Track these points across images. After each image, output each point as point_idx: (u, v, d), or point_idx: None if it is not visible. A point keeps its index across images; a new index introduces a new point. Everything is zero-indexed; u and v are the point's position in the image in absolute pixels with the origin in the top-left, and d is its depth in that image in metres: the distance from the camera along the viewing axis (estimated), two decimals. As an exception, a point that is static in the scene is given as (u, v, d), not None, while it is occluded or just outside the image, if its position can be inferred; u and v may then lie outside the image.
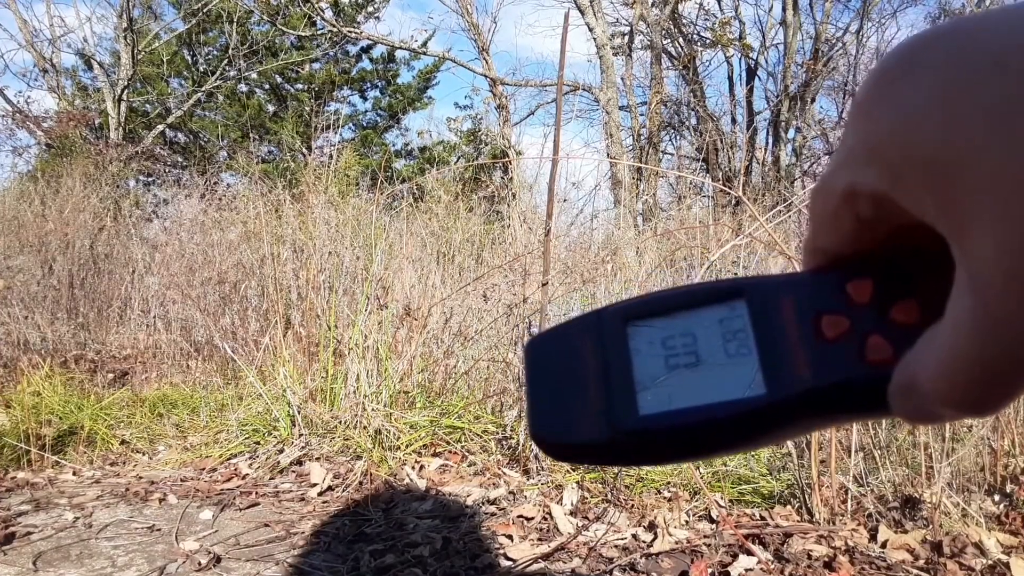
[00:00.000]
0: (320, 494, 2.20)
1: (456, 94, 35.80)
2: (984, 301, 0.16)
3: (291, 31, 11.84)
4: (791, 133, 11.48)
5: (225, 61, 12.26)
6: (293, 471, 2.42)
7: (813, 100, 11.40)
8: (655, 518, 1.82)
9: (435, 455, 2.43)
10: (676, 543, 1.71)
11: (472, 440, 2.47)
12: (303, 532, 1.91)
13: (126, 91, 10.67)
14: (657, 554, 1.67)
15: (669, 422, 0.23)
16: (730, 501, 1.99)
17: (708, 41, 12.44)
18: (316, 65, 14.23)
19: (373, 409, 2.51)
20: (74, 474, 2.50)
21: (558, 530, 1.84)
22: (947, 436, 1.82)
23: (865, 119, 0.20)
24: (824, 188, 0.22)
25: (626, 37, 11.86)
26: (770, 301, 0.24)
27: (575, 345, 0.26)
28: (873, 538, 1.70)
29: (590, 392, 0.24)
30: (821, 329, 0.22)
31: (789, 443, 2.01)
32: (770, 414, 0.22)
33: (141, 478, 2.44)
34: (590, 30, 10.21)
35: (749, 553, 1.63)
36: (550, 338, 0.27)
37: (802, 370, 0.22)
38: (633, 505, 1.94)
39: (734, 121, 12.76)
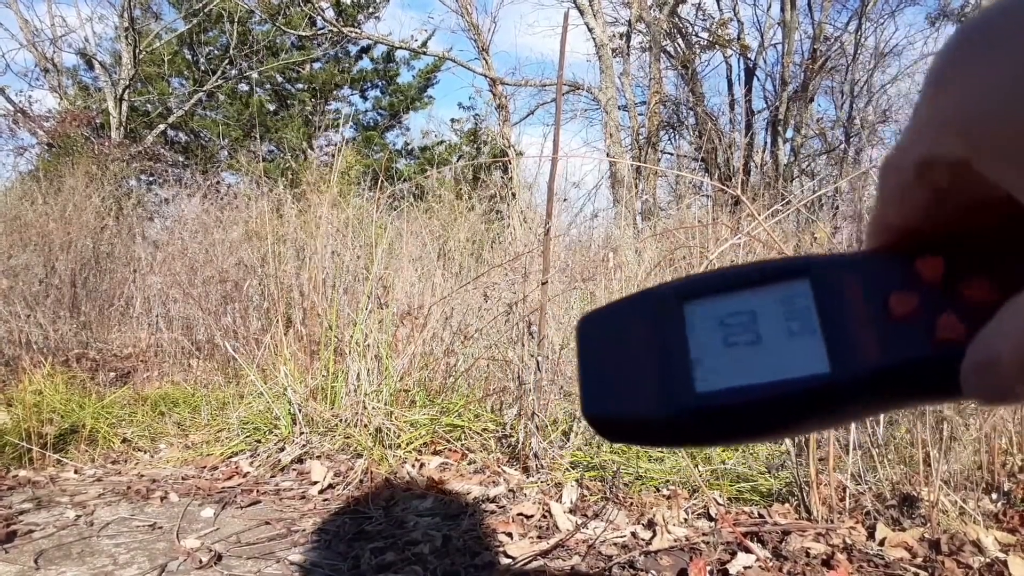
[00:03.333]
0: (321, 492, 2.21)
1: (456, 94, 35.80)
2: None
3: (292, 31, 11.84)
4: (789, 133, 11.47)
5: (226, 61, 12.27)
6: (294, 469, 2.43)
7: (811, 100, 11.40)
8: (654, 516, 1.82)
9: (435, 453, 2.44)
10: (675, 541, 1.72)
11: (472, 438, 2.48)
12: (304, 530, 1.92)
13: (127, 91, 10.67)
14: (656, 552, 1.68)
15: (727, 400, 0.22)
16: (729, 499, 2.00)
17: (707, 42, 12.44)
18: (317, 65, 14.24)
19: (374, 407, 2.52)
20: (76, 472, 2.51)
21: (557, 528, 1.85)
22: (945, 434, 1.83)
23: (945, 89, 0.19)
24: (897, 161, 0.22)
25: (624, 37, 11.85)
26: (835, 280, 0.23)
27: (629, 323, 0.25)
28: (871, 536, 1.70)
29: (645, 370, 0.24)
30: (889, 307, 0.22)
31: (787, 441, 2.02)
32: (834, 393, 0.21)
33: (142, 476, 2.45)
34: (589, 30, 10.22)
35: (748, 551, 1.64)
36: (602, 316, 0.26)
37: (869, 349, 0.21)
38: (632, 503, 1.94)
39: (733, 121, 12.76)
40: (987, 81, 0.18)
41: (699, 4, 12.27)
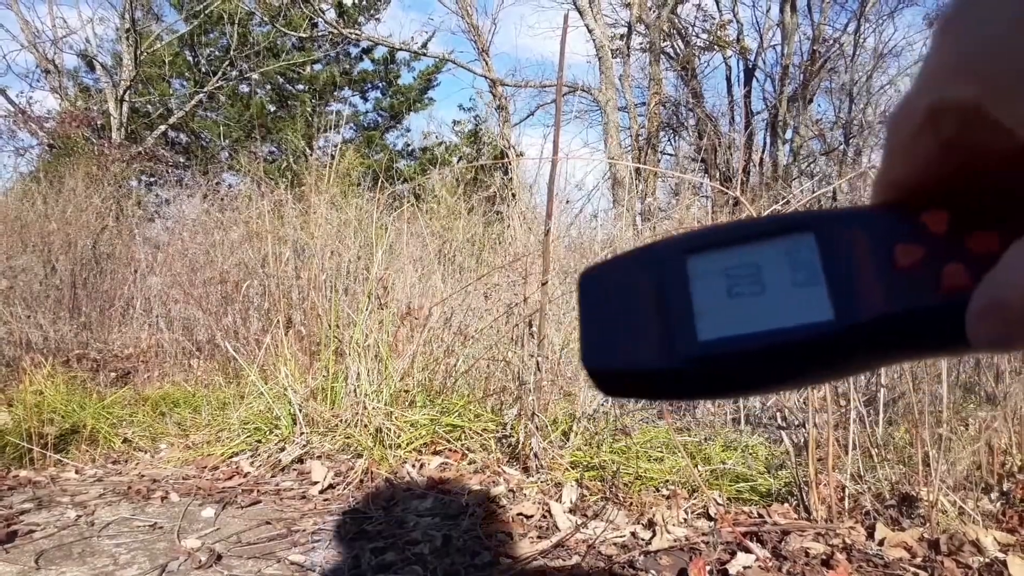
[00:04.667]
0: (321, 492, 2.21)
1: (457, 95, 35.83)
2: None
3: (292, 32, 11.85)
4: (789, 134, 11.48)
5: (227, 62, 12.28)
6: (294, 469, 2.43)
7: (811, 101, 11.41)
8: (654, 516, 1.82)
9: (435, 453, 2.44)
10: (675, 541, 1.72)
11: (472, 438, 2.49)
12: (304, 530, 1.92)
13: (128, 92, 10.68)
14: (656, 552, 1.68)
15: (731, 347, 0.22)
16: (728, 499, 2.00)
17: (706, 43, 12.45)
18: (317, 66, 14.26)
19: (374, 408, 2.52)
20: (76, 472, 2.51)
21: (557, 527, 1.85)
22: (944, 435, 1.83)
23: (957, 32, 0.19)
24: (905, 110, 0.22)
25: (624, 39, 11.87)
26: (840, 233, 0.23)
27: (631, 276, 0.25)
28: (870, 536, 1.71)
29: (647, 321, 0.24)
30: (894, 258, 0.22)
31: (787, 441, 2.02)
32: (839, 340, 0.21)
33: (143, 476, 2.45)
34: (589, 31, 10.23)
35: (747, 551, 1.64)
36: (605, 270, 0.26)
37: (874, 297, 0.21)
38: (632, 503, 1.95)
39: (732, 122, 12.77)
40: (995, 20, 0.18)
41: (699, 4, 12.30)
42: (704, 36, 12.49)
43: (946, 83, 0.20)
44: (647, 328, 0.24)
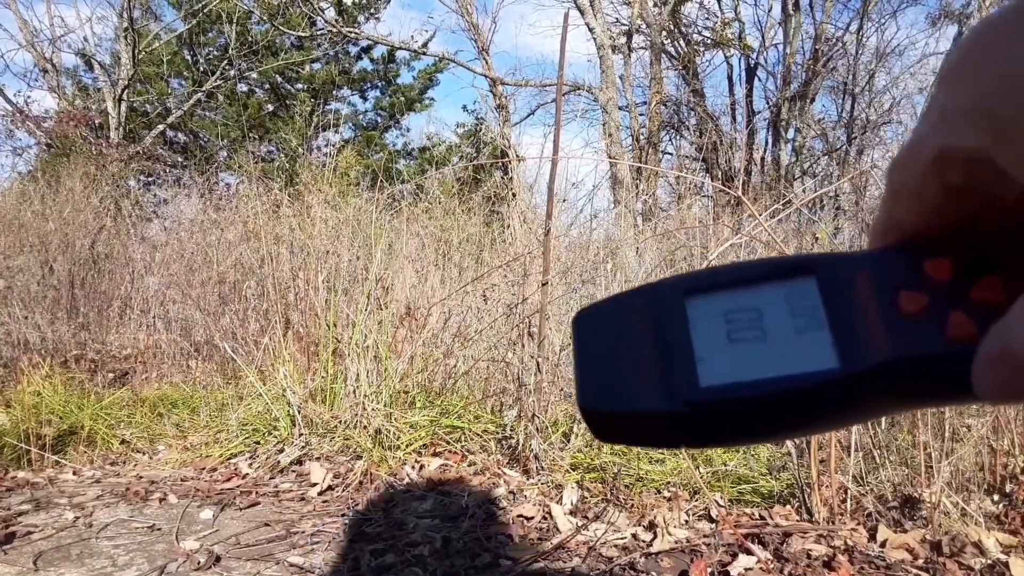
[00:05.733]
0: (320, 494, 2.21)
1: (456, 94, 35.78)
2: None
3: (291, 31, 11.84)
4: (791, 133, 11.48)
5: (225, 61, 12.26)
6: (293, 471, 2.42)
7: (813, 100, 11.40)
8: (655, 517, 1.82)
9: (435, 455, 2.43)
10: (676, 542, 1.71)
11: (472, 440, 2.48)
12: (303, 531, 1.91)
13: (126, 91, 10.66)
14: (657, 553, 1.67)
15: (732, 394, 0.21)
16: (730, 501, 1.99)
17: (708, 42, 12.44)
18: (316, 65, 14.24)
19: (373, 409, 2.51)
20: (74, 474, 2.51)
21: (558, 529, 1.84)
22: (946, 436, 1.82)
23: (966, 78, 0.19)
24: (909, 155, 0.21)
25: (626, 38, 11.86)
26: (843, 277, 0.23)
27: (628, 318, 0.24)
28: (872, 537, 1.70)
29: (645, 365, 0.23)
30: (899, 305, 0.21)
31: (789, 443, 2.01)
32: (843, 389, 0.21)
33: (141, 478, 2.44)
34: (590, 30, 10.21)
35: (749, 552, 1.64)
36: (601, 310, 0.25)
37: (878, 345, 0.21)
38: (633, 505, 1.94)
39: (734, 121, 12.77)
40: (1008, 70, 0.17)
41: (701, 3, 12.29)
42: (706, 34, 12.49)
43: (952, 130, 0.19)
44: (646, 371, 0.23)
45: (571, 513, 1.93)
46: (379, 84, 15.25)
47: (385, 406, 2.56)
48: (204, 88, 12.32)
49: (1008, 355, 0.18)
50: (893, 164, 0.22)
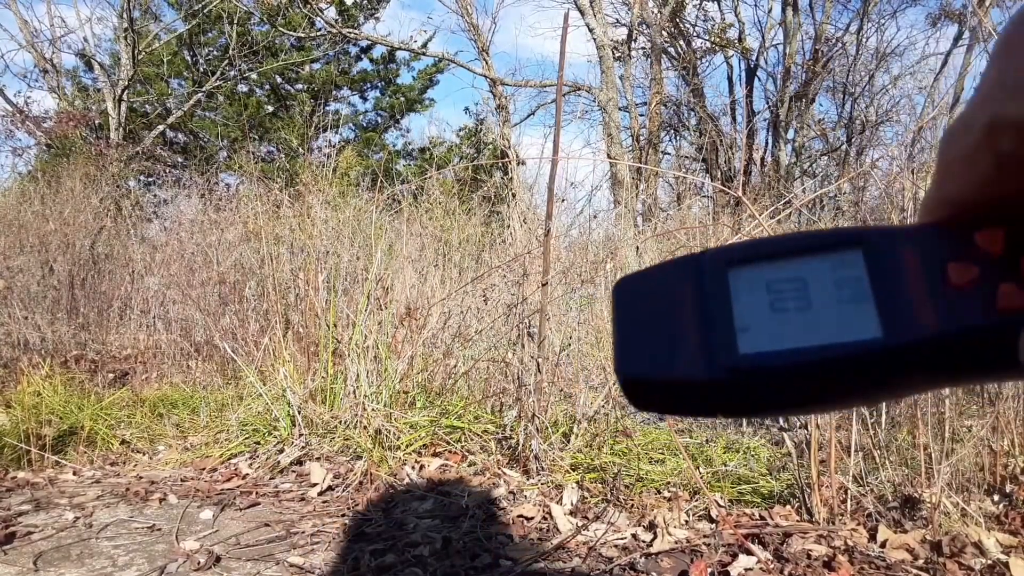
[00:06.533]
0: (320, 494, 2.21)
1: (457, 95, 35.81)
2: None
3: (291, 32, 11.84)
4: (791, 133, 11.48)
5: (225, 62, 12.26)
6: (293, 471, 2.42)
7: (813, 100, 11.41)
8: (655, 518, 1.82)
9: (435, 455, 2.43)
10: (676, 543, 1.71)
11: (472, 440, 2.48)
12: (303, 532, 1.91)
13: (126, 91, 10.66)
14: (657, 554, 1.67)
15: (773, 361, 0.21)
16: (730, 501, 1.99)
17: (708, 46, 12.44)
18: (316, 65, 14.24)
19: (373, 409, 2.51)
20: (74, 474, 2.50)
21: (558, 530, 1.84)
22: (946, 436, 1.82)
23: (1017, 51, 0.19)
24: (962, 126, 0.21)
25: (626, 38, 11.86)
26: (890, 250, 0.22)
27: (669, 287, 0.24)
28: (872, 538, 1.70)
29: (685, 333, 0.23)
30: (947, 277, 0.21)
31: (788, 443, 2.01)
32: (886, 360, 0.21)
33: (141, 478, 2.44)
34: (590, 31, 10.22)
35: (749, 553, 1.63)
36: (642, 279, 0.25)
37: (925, 317, 0.21)
38: (633, 505, 1.94)
39: (734, 121, 12.77)
40: None
41: (700, 3, 12.28)
42: (706, 36, 12.49)
43: (1005, 100, 0.19)
44: (685, 339, 0.23)
45: (571, 513, 1.93)
46: (379, 84, 15.25)
47: (385, 406, 2.56)
48: (204, 88, 12.32)
49: None
50: (946, 136, 0.22)
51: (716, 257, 0.24)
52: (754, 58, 12.26)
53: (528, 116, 14.35)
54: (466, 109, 19.91)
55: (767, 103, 12.14)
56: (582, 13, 10.09)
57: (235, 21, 11.35)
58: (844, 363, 0.21)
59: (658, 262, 0.25)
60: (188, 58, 13.26)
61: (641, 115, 11.74)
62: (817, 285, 0.22)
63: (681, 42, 12.51)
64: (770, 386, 0.22)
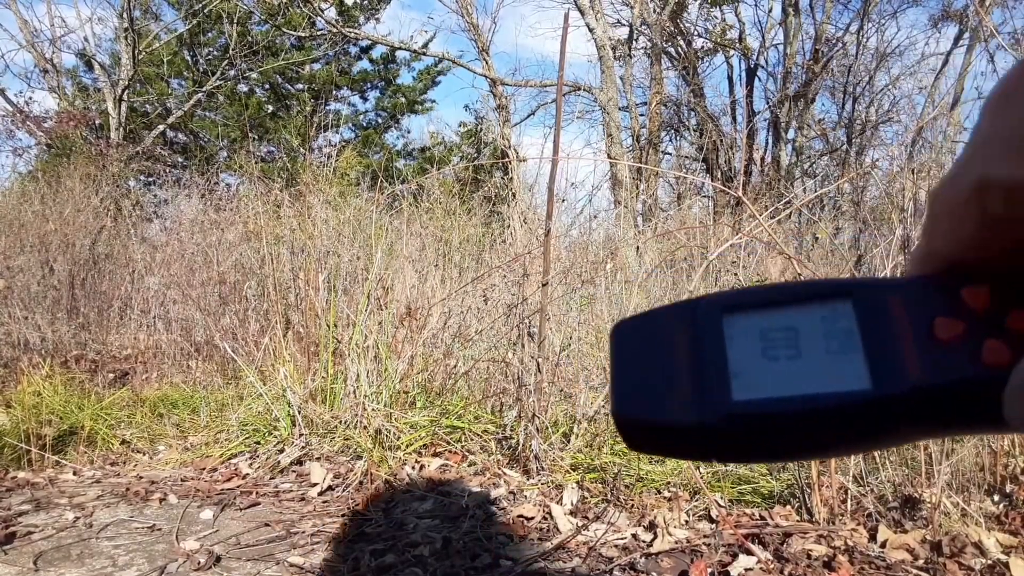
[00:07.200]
0: (320, 494, 2.21)
1: (457, 95, 35.80)
2: None
3: (291, 31, 11.84)
4: (791, 133, 11.48)
5: (225, 61, 12.27)
6: (293, 471, 2.42)
7: (813, 100, 11.40)
8: (655, 518, 1.82)
9: (435, 455, 2.43)
10: (676, 543, 1.71)
11: (472, 440, 2.48)
12: (303, 532, 1.91)
13: (126, 91, 10.66)
14: (657, 554, 1.67)
15: (764, 409, 0.22)
16: (730, 501, 1.99)
17: (709, 46, 12.43)
18: (316, 65, 14.24)
19: (373, 409, 2.51)
20: (74, 474, 2.51)
21: (558, 530, 1.84)
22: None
23: (1009, 110, 0.19)
24: (950, 184, 0.21)
25: (626, 39, 11.85)
26: (879, 302, 0.23)
27: (666, 331, 0.25)
28: (873, 538, 1.70)
29: (680, 378, 0.23)
30: (934, 331, 0.22)
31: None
32: (874, 411, 0.21)
33: (141, 478, 2.44)
34: (590, 31, 10.21)
35: (749, 553, 1.63)
36: (639, 323, 0.26)
37: (912, 369, 0.21)
38: (633, 505, 1.94)
39: (734, 121, 12.77)
40: None
41: (700, 4, 12.28)
42: (706, 36, 12.49)
43: (994, 160, 0.19)
44: (680, 383, 0.23)
45: (571, 513, 1.93)
46: (379, 84, 15.25)
47: (385, 406, 2.56)
48: (204, 88, 12.32)
49: None
50: (933, 192, 0.22)
51: (712, 304, 0.25)
52: (754, 58, 12.26)
53: (528, 116, 14.36)
54: (466, 106, 19.88)
55: (767, 103, 12.14)
56: (582, 13, 10.09)
57: (235, 21, 11.35)
58: (833, 413, 0.21)
59: (655, 307, 0.26)
60: (188, 58, 13.26)
61: (641, 115, 11.74)
62: (808, 334, 0.23)
63: (681, 42, 12.51)
64: (761, 433, 0.22)
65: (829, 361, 0.22)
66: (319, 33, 12.20)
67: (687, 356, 0.24)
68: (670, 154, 13.21)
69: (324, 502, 2.15)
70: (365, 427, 2.48)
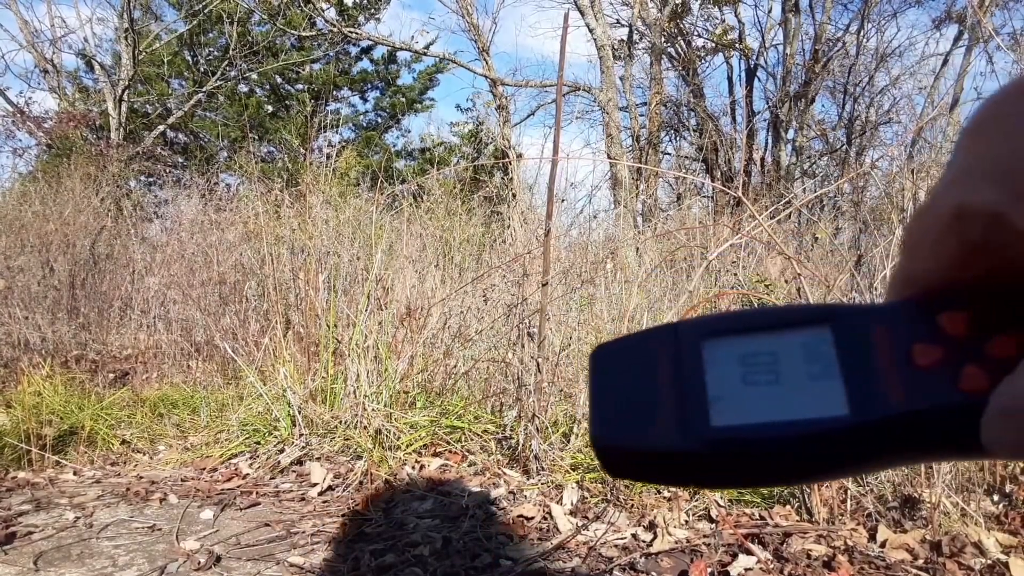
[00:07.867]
0: (320, 494, 2.21)
1: (457, 95, 35.81)
2: None
3: (291, 31, 11.85)
4: (791, 133, 11.48)
5: (225, 62, 12.27)
6: (293, 471, 2.42)
7: (813, 100, 11.41)
8: (655, 518, 1.82)
9: (435, 455, 2.43)
10: (676, 543, 1.71)
11: (472, 440, 2.48)
12: (303, 532, 1.91)
13: (127, 92, 10.66)
14: (657, 553, 1.67)
15: (743, 435, 0.22)
16: (729, 501, 1.99)
17: (709, 47, 12.44)
18: (316, 66, 14.24)
19: (373, 409, 2.51)
20: (75, 474, 2.51)
21: (558, 529, 1.84)
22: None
23: (985, 138, 0.19)
24: (928, 210, 0.21)
25: (626, 39, 11.86)
26: (858, 328, 0.23)
27: (645, 355, 0.25)
28: (872, 538, 1.70)
29: (659, 403, 0.23)
30: (912, 357, 0.22)
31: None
32: (852, 437, 0.21)
33: (142, 478, 2.45)
34: (590, 31, 10.22)
35: (748, 552, 1.64)
36: (618, 347, 0.26)
37: (890, 395, 0.21)
38: (633, 505, 1.94)
39: (734, 121, 12.77)
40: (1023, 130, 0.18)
41: (701, 4, 12.28)
42: (706, 36, 12.49)
43: (972, 187, 0.20)
44: (659, 409, 0.23)
45: (571, 513, 1.93)
46: (379, 85, 15.26)
47: (385, 406, 2.56)
48: (204, 89, 12.32)
49: (1016, 409, 0.18)
50: (912, 219, 0.22)
51: (692, 328, 0.25)
52: (754, 58, 12.26)
53: (528, 116, 14.38)
54: (457, 106, 19.85)
55: (767, 103, 12.14)
56: (582, 13, 10.09)
57: (235, 21, 11.35)
58: (810, 439, 0.21)
59: (634, 331, 0.26)
60: (188, 58, 13.26)
61: (641, 115, 11.74)
62: (787, 360, 0.23)
63: (681, 42, 12.51)
64: (740, 459, 0.22)
65: (808, 387, 0.22)
66: (319, 33, 12.20)
67: (666, 381, 0.24)
68: (670, 154, 13.21)
69: (324, 502, 2.15)
70: (365, 427, 2.48)
